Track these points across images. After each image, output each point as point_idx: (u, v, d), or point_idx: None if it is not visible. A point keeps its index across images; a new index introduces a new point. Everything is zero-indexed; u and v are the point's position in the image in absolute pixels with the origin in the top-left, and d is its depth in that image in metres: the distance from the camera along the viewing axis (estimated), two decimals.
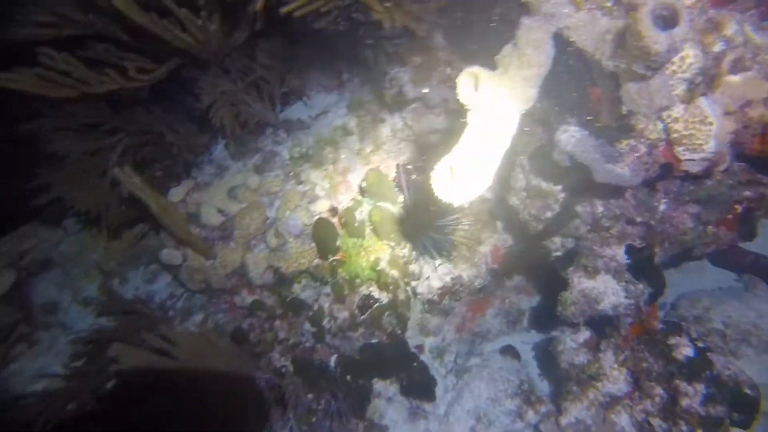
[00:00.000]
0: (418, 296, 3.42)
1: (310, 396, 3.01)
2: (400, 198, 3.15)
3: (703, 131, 1.79)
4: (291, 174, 3.21)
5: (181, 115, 3.54)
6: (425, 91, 2.76)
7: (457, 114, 2.95)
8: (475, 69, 1.68)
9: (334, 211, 3.10)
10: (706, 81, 1.77)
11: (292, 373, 3.05)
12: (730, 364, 2.53)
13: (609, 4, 1.46)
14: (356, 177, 3.30)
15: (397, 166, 3.32)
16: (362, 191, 3.13)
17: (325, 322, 3.19)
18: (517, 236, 3.17)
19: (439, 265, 3.34)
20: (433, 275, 3.35)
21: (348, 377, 3.06)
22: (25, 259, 3.91)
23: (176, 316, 3.65)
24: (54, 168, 3.34)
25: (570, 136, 1.97)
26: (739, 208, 2.35)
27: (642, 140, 1.90)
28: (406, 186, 3.20)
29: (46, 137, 3.21)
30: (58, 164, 3.38)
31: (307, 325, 3.19)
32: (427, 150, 3.37)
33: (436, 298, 3.40)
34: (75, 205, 3.45)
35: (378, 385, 3.17)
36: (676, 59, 1.62)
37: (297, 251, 2.98)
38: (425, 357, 3.46)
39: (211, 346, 2.95)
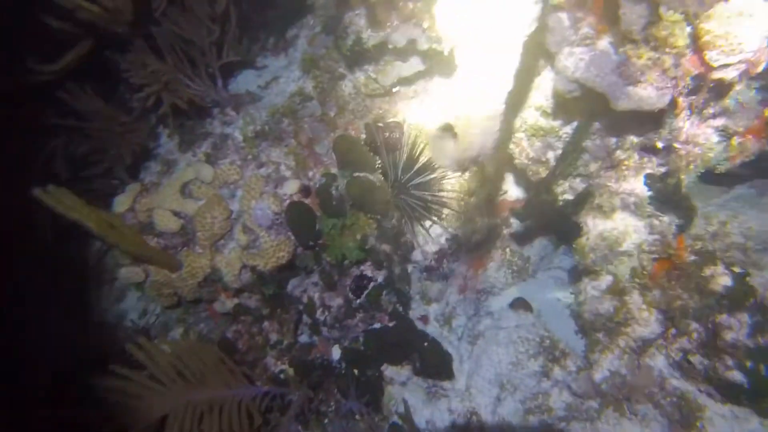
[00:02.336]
0: (415, 265, 3.12)
1: (317, 399, 2.71)
2: (378, 162, 2.77)
3: (741, 26, 1.44)
4: (249, 157, 2.78)
5: (113, 105, 3.04)
6: (386, 33, 2.32)
7: (428, 55, 2.54)
8: None
9: (306, 190, 2.70)
10: None
11: (293, 377, 2.74)
12: None
13: None
14: (324, 147, 2.90)
15: (366, 125, 2.93)
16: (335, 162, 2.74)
17: (318, 314, 2.86)
18: (516, 182, 2.84)
19: (431, 226, 3.03)
20: (427, 239, 3.04)
21: (355, 371, 2.76)
22: None
23: (154, 334, 3.28)
24: None
25: (578, 60, 1.60)
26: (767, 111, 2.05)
27: (666, 49, 1.54)
28: (382, 146, 2.83)
29: None
30: None
31: (301, 320, 2.87)
32: (397, 102, 2.97)
33: (433, 263, 3.12)
34: None
35: (389, 371, 2.88)
36: None
37: (272, 245, 2.60)
38: (432, 326, 3.20)
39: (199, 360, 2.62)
